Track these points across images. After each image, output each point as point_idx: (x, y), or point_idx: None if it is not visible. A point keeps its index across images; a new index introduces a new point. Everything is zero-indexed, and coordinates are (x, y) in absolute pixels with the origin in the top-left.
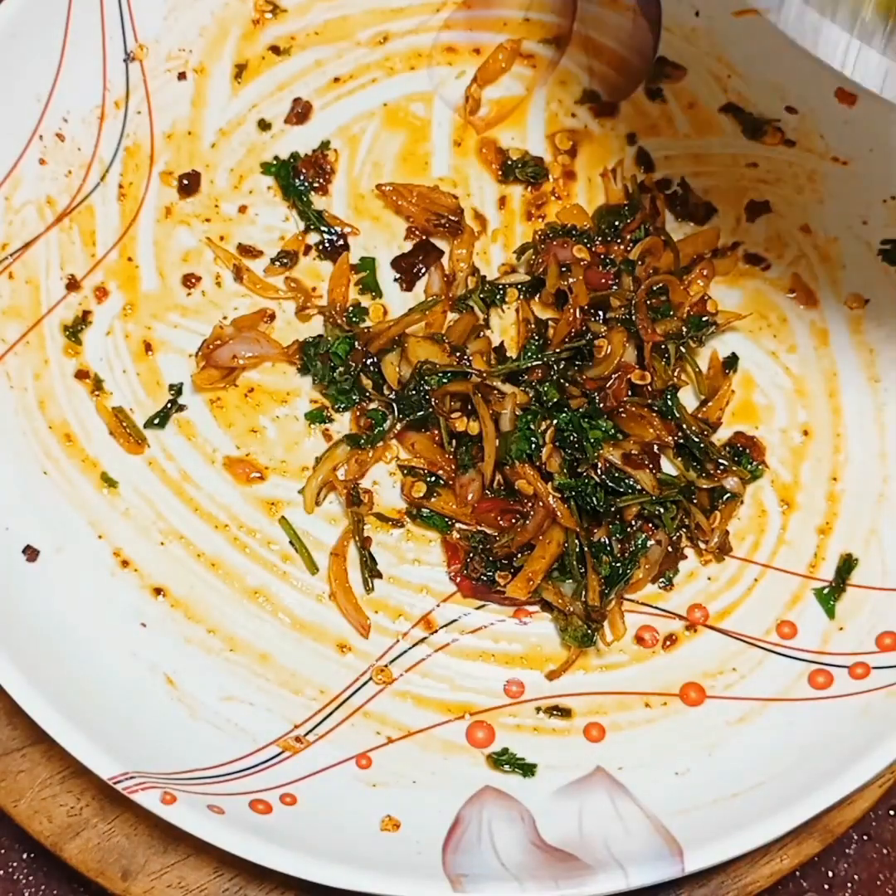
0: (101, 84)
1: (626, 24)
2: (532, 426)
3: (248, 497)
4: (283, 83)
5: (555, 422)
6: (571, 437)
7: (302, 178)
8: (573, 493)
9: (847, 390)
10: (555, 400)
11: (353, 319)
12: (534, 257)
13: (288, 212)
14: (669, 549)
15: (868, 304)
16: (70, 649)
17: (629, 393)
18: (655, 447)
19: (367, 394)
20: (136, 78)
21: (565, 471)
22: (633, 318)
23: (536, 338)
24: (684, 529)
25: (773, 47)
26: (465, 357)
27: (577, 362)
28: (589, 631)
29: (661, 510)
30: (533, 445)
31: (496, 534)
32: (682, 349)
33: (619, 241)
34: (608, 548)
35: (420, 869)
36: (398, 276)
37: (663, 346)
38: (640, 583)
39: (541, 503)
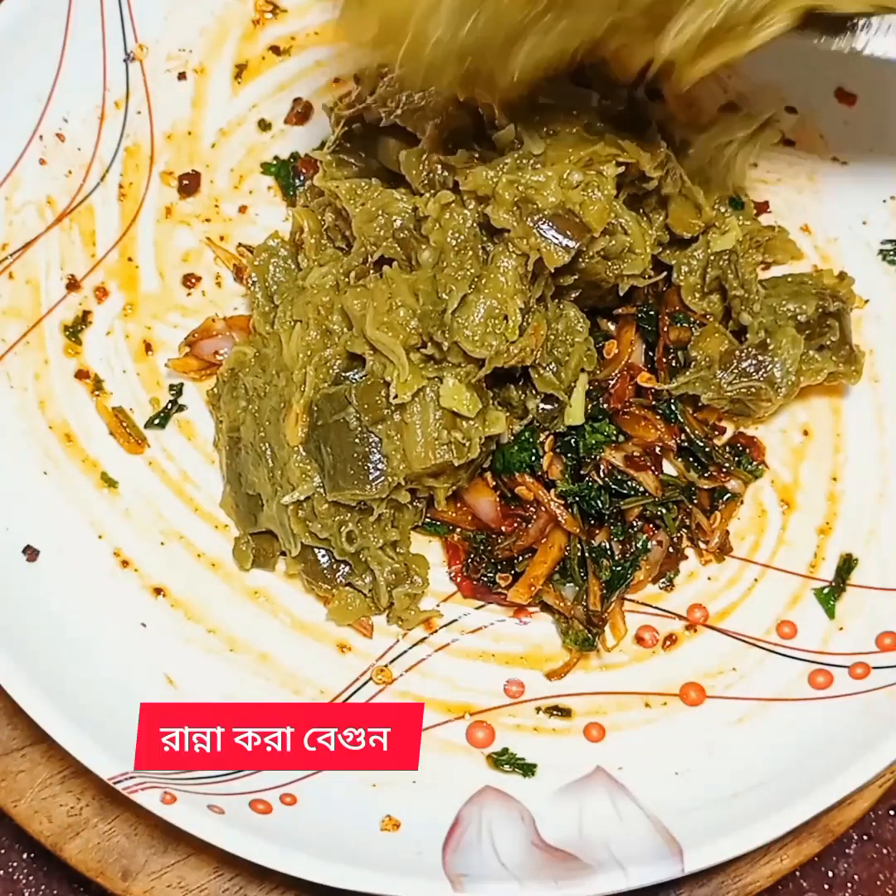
0: (101, 84)
1: None
2: (531, 438)
3: None
4: (283, 83)
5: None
6: (573, 442)
7: (302, 178)
8: (577, 499)
9: (847, 390)
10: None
11: None
12: None
13: (288, 212)
14: (670, 549)
15: (868, 304)
16: (70, 649)
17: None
18: (657, 449)
19: None
20: (136, 78)
21: (568, 476)
22: (653, 313)
23: None
24: (685, 530)
25: (773, 47)
26: None
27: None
28: (590, 635)
29: (663, 511)
30: (532, 457)
31: (498, 535)
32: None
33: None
34: (609, 551)
35: (420, 869)
36: None
37: (676, 352)
38: (640, 583)
39: (543, 508)
